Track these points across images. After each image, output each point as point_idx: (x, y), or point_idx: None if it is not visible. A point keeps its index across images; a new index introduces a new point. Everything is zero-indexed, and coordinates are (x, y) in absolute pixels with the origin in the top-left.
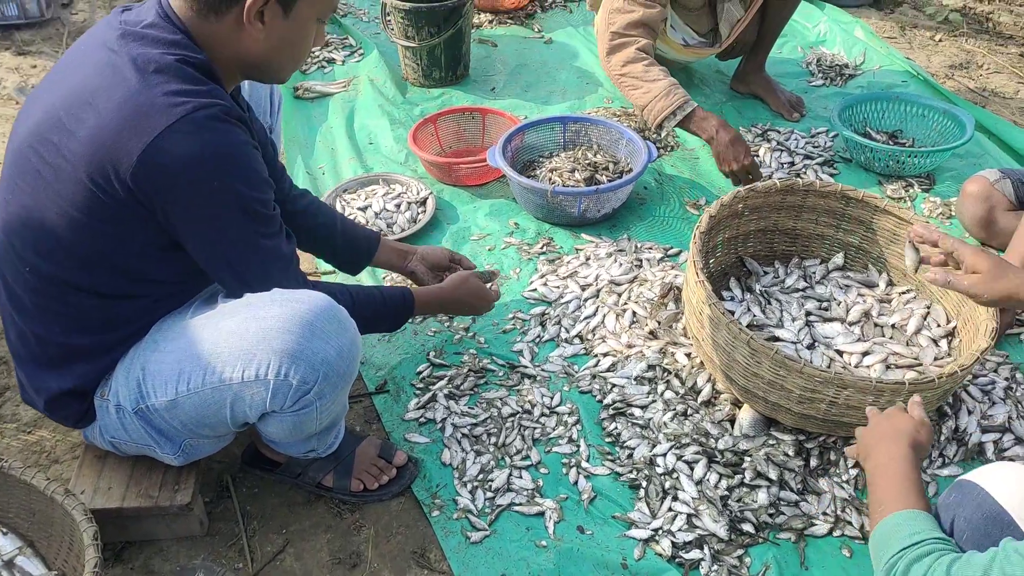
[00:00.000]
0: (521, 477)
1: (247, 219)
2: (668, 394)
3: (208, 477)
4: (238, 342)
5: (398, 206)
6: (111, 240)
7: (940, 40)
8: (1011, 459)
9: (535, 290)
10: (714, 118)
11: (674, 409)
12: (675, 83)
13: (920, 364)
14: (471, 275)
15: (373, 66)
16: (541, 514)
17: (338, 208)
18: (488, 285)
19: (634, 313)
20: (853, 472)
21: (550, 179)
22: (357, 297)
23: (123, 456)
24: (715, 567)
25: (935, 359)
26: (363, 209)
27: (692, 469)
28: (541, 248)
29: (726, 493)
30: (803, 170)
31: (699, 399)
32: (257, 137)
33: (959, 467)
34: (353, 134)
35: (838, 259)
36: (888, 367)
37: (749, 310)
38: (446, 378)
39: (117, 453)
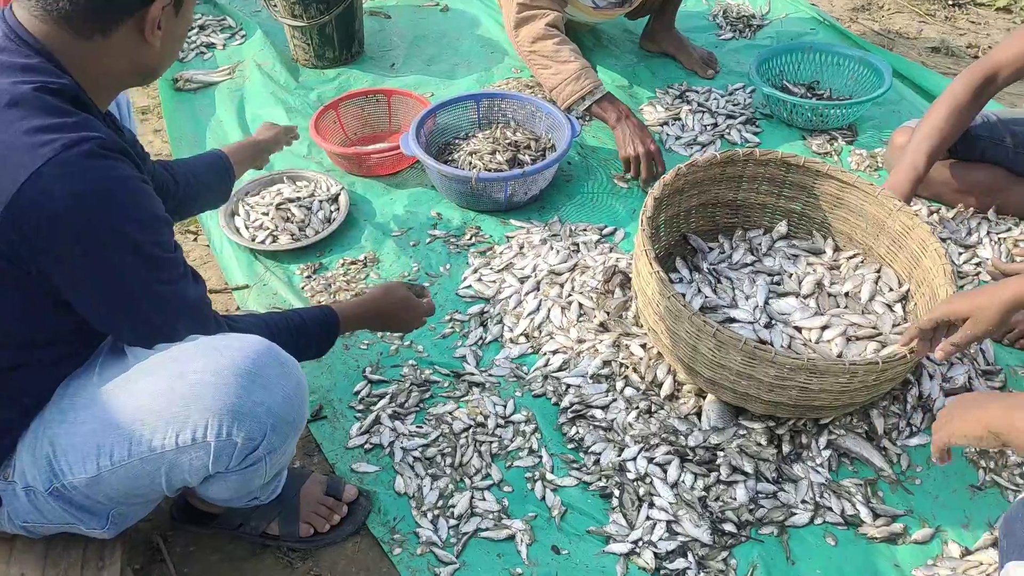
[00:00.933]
0: (484, 499)
1: (143, 266)
2: (628, 391)
3: (136, 540)
4: (165, 404)
5: (309, 207)
6: None
7: None
8: None
9: (470, 287)
10: (623, 105)
11: (637, 407)
12: (587, 66)
13: (880, 333)
14: (398, 284)
15: (258, 49)
16: (511, 537)
17: (241, 213)
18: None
19: (580, 305)
20: (826, 454)
21: (470, 163)
22: (274, 327)
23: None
24: (701, 575)
25: (893, 325)
26: (267, 213)
27: (665, 472)
28: (470, 239)
29: (703, 493)
30: (727, 130)
31: (662, 393)
32: (143, 166)
33: (926, 434)
34: (246, 126)
35: (781, 227)
36: (848, 339)
37: (700, 291)
38: (387, 396)
39: (31, 537)
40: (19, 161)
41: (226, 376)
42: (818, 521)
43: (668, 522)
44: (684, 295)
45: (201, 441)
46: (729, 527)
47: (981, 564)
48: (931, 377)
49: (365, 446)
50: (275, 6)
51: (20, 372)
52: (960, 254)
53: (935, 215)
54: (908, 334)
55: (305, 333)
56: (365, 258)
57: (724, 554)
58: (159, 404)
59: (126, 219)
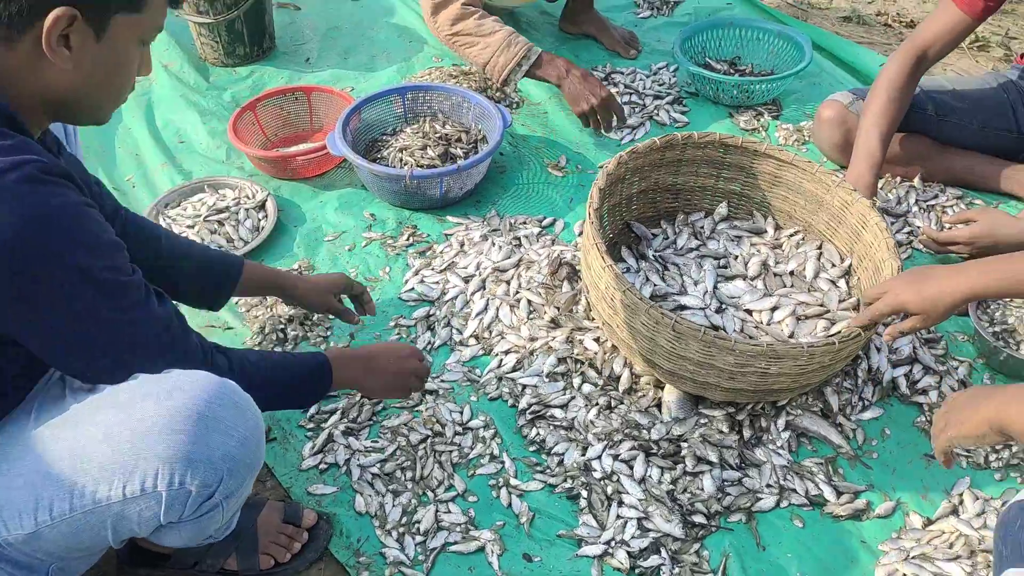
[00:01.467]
0: (450, 511)
1: (96, 295)
2: (586, 387)
3: None
4: (109, 453)
5: (235, 215)
6: None
7: None
8: (924, 390)
9: (412, 290)
10: (560, 59)
11: (596, 403)
12: (512, 32)
13: (828, 311)
14: (402, 344)
15: (163, 49)
16: (481, 549)
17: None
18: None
19: (529, 302)
20: (785, 435)
21: (402, 160)
22: (257, 366)
23: None
24: (676, 570)
25: (840, 301)
26: (192, 226)
27: (632, 468)
28: (407, 240)
29: (671, 486)
30: (655, 111)
31: (620, 388)
32: (87, 189)
33: (878, 407)
34: (158, 133)
35: (722, 209)
36: (798, 319)
37: (648, 280)
38: (338, 411)
39: None
40: None
41: (176, 421)
42: (784, 504)
43: (639, 519)
44: (633, 285)
45: (151, 491)
46: (699, 519)
47: (943, 533)
48: (879, 350)
49: (320, 466)
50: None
51: None
52: (892, 223)
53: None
54: (864, 318)
55: (291, 373)
56: (299, 266)
57: (696, 546)
58: (103, 452)
59: (73, 244)
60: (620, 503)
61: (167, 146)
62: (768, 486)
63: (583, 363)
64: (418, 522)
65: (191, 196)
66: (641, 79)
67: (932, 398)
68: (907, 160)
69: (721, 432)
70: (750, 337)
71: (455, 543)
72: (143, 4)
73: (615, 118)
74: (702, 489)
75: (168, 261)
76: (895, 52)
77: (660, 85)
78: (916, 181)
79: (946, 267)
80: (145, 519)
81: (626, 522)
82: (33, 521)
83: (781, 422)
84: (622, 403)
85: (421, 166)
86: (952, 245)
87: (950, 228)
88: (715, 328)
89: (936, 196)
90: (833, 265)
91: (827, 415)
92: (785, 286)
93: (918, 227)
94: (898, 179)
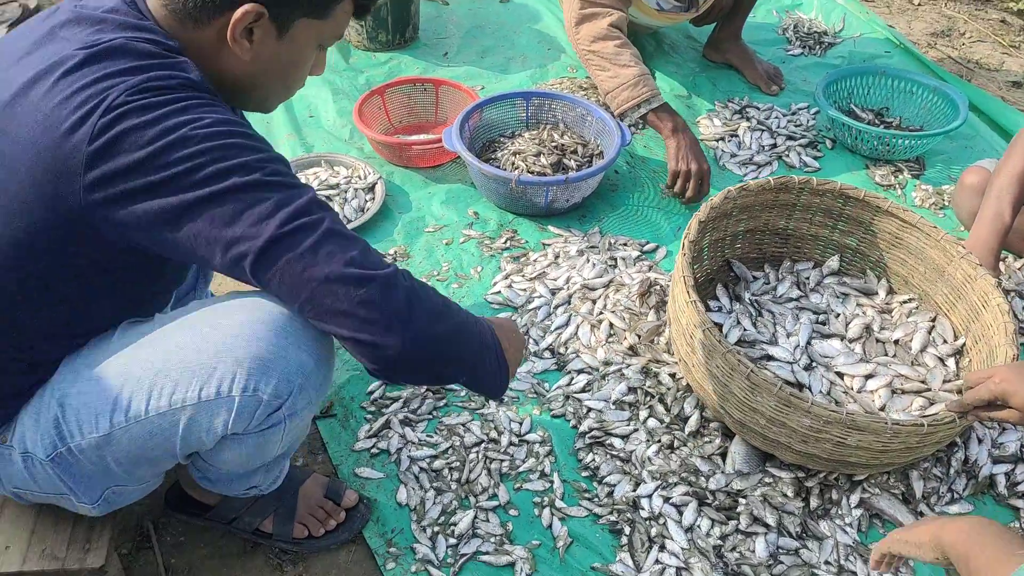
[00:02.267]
0: (488, 520)
1: (262, 190)
2: (652, 422)
3: (127, 523)
4: (193, 356)
5: (344, 193)
6: (48, 263)
7: (920, 4)
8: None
9: (499, 293)
10: (679, 117)
11: (659, 440)
12: (645, 73)
13: (928, 388)
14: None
15: None
16: (511, 565)
17: None
18: None
19: (611, 324)
20: (856, 513)
21: (513, 164)
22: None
23: (25, 505)
24: None
25: (944, 381)
26: None
27: (681, 513)
28: (504, 243)
29: (719, 542)
30: (786, 152)
31: (687, 429)
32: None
33: (969, 503)
34: (290, 104)
35: (833, 262)
36: (894, 392)
37: (739, 323)
38: (401, 400)
39: (19, 502)
40: (99, 99)
41: (260, 329)
42: None
43: (678, 568)
44: (721, 326)
45: (226, 395)
46: None
47: None
48: (980, 441)
49: (372, 450)
50: None
51: (46, 342)
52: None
53: (1001, 263)
54: (957, 404)
55: (473, 322)
56: (395, 252)
57: None
58: (186, 355)
59: (229, 148)
60: (662, 548)
61: (296, 118)
62: (827, 563)
63: (654, 396)
64: (455, 524)
65: (307, 169)
66: (777, 116)
67: None
68: None
69: (785, 496)
70: (836, 402)
71: (486, 553)
72: (328, 12)
73: (699, 194)
74: (752, 551)
75: None
76: None
77: (796, 126)
78: None
79: None
80: (215, 426)
81: (664, 568)
82: (108, 423)
83: (855, 498)
84: (685, 445)
85: (531, 172)
86: None
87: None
88: (800, 386)
89: None
90: (945, 341)
91: (908, 501)
92: (887, 355)
93: None
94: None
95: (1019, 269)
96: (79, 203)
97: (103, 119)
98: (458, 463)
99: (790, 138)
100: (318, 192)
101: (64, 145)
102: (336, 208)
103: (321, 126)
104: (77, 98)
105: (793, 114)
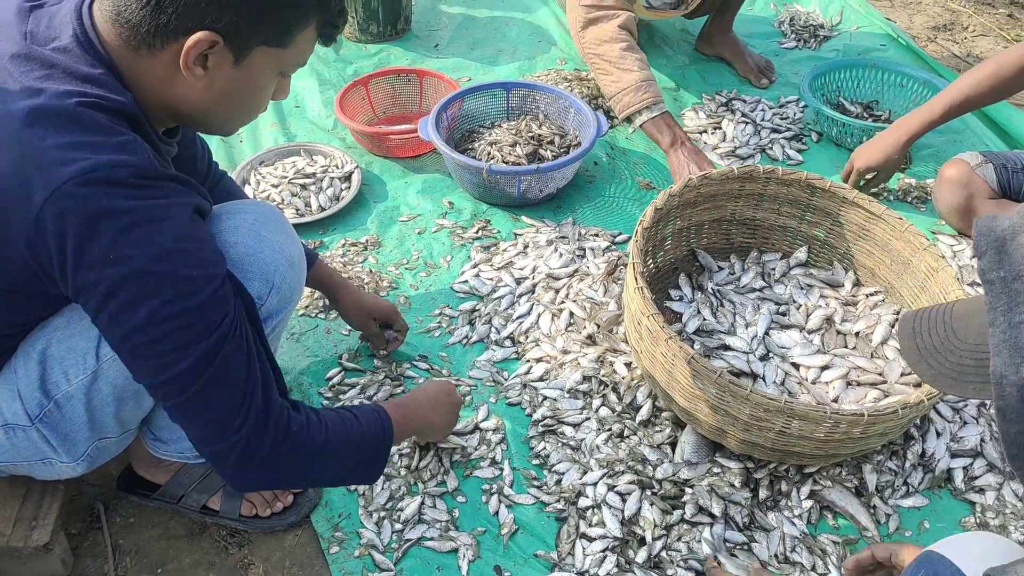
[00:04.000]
0: (435, 506)
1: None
2: (604, 411)
3: (77, 504)
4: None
5: (320, 182)
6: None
7: None
8: (982, 488)
9: (466, 282)
10: (679, 129)
11: (609, 429)
12: (650, 79)
13: (885, 381)
14: (444, 382)
15: None
16: (455, 551)
17: (252, 182)
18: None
19: (572, 313)
20: (807, 504)
21: (488, 154)
22: (330, 422)
23: None
24: None
25: (901, 375)
26: (276, 185)
27: (625, 501)
28: (476, 233)
29: (663, 532)
30: (769, 145)
31: (637, 418)
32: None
33: (924, 496)
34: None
35: (800, 254)
36: (849, 383)
37: (699, 313)
38: (358, 386)
39: None
40: (44, 177)
41: (234, 235)
42: None
43: (618, 557)
44: (681, 314)
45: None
46: (686, 574)
47: None
48: (939, 435)
49: None
50: None
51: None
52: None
53: (952, 253)
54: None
55: (360, 432)
56: (367, 240)
57: None
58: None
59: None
60: (601, 537)
61: (281, 108)
62: (774, 556)
63: (607, 385)
64: (400, 510)
65: (286, 158)
66: (763, 109)
67: (989, 500)
68: None
69: (732, 486)
70: (789, 392)
71: (431, 539)
72: (289, 41)
73: None
74: (698, 542)
75: None
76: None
77: (783, 119)
78: None
79: None
80: None
81: (604, 556)
82: (95, 358)
83: (805, 490)
84: (635, 434)
85: (506, 162)
86: None
87: None
88: (754, 376)
89: None
90: None
91: (861, 493)
92: (847, 347)
93: None
94: None
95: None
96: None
97: (51, 209)
98: (408, 449)
99: (775, 131)
100: (292, 180)
101: (12, 211)
102: (311, 196)
103: (306, 116)
104: (25, 168)
105: (781, 107)
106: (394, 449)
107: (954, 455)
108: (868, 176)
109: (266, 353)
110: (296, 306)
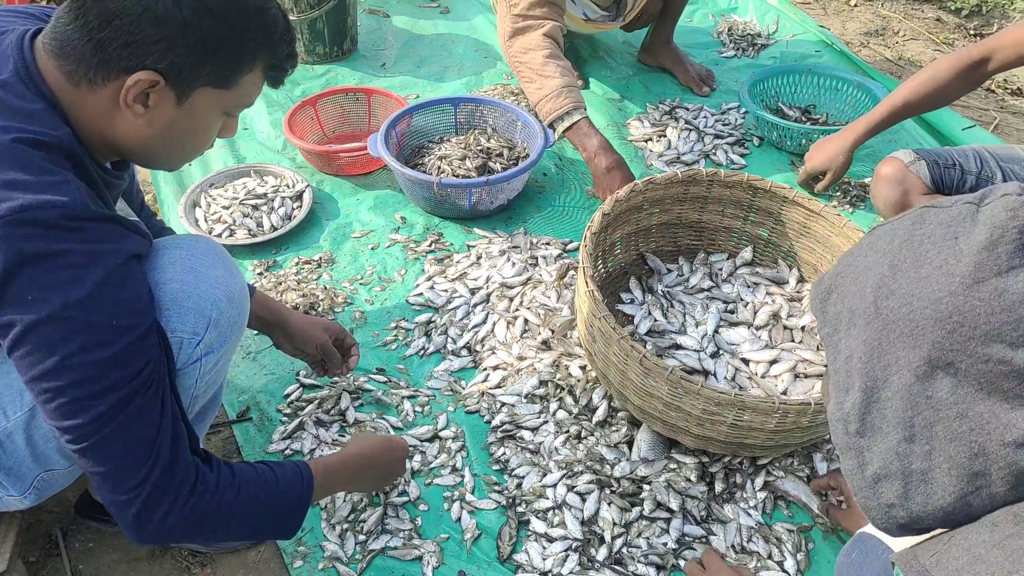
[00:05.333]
0: (398, 516)
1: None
2: (560, 414)
3: (35, 531)
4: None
5: (271, 202)
6: None
7: (856, 5)
8: None
9: (421, 294)
10: (597, 137)
11: (567, 431)
12: (571, 85)
13: None
14: (384, 437)
15: None
16: (419, 559)
17: (203, 204)
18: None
19: (526, 320)
20: (761, 496)
21: (439, 168)
22: (244, 480)
23: None
24: None
25: None
26: (227, 207)
27: (584, 501)
28: (429, 246)
29: (623, 530)
30: (713, 151)
31: (594, 419)
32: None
33: None
34: None
35: (746, 254)
36: (797, 376)
37: (650, 314)
38: (316, 401)
39: None
40: None
41: (168, 271)
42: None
43: (580, 557)
44: (632, 317)
45: None
46: (650, 570)
47: None
48: None
49: (285, 451)
50: None
51: None
52: None
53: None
54: None
55: (276, 490)
56: (320, 258)
57: None
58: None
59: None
60: (561, 538)
61: None
62: (731, 547)
63: (563, 389)
64: (363, 521)
65: (236, 179)
66: (705, 116)
67: None
68: None
69: (688, 480)
70: (740, 387)
71: (395, 548)
72: (232, 83)
73: None
74: (657, 537)
75: None
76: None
77: (725, 125)
78: None
79: None
80: None
81: (567, 556)
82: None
83: (759, 481)
84: (592, 435)
85: (457, 176)
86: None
87: None
88: (705, 373)
89: None
90: None
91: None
92: (793, 341)
93: None
94: None
95: None
96: None
97: None
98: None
99: (717, 137)
100: (243, 202)
101: None
102: (263, 216)
103: (255, 138)
104: None
105: (723, 113)
106: None
107: None
108: (818, 176)
109: (179, 409)
110: (239, 340)
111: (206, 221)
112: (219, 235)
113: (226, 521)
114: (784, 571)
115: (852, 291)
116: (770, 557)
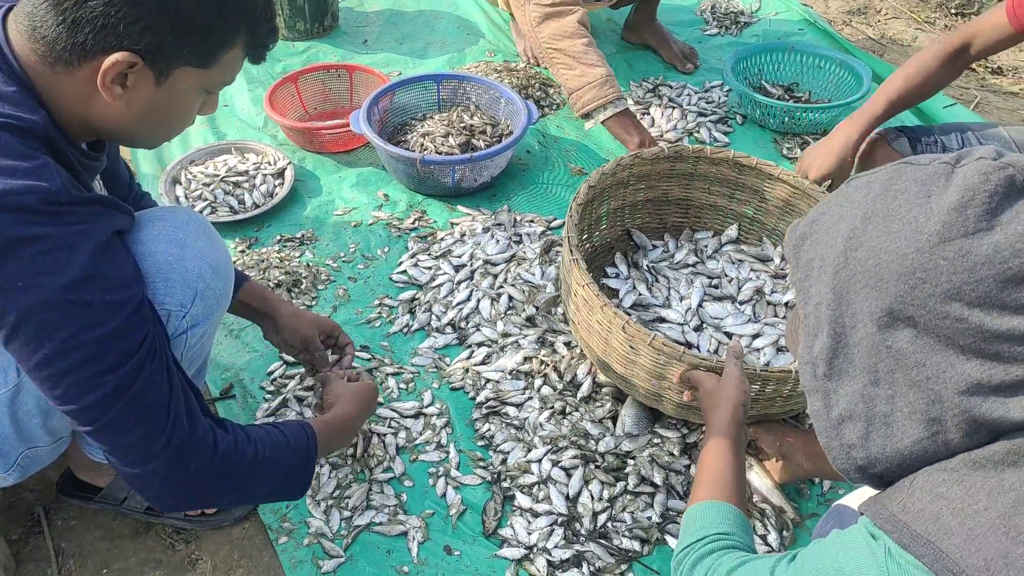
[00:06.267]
0: (383, 492)
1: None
2: (545, 390)
3: (17, 510)
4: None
5: (253, 179)
6: None
7: None
8: None
9: (404, 272)
10: (642, 126)
11: (551, 407)
12: (611, 74)
13: None
14: (361, 388)
15: None
16: (404, 534)
17: (183, 181)
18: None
19: (511, 297)
20: None
21: (421, 145)
22: (258, 438)
23: None
24: None
25: None
26: (208, 184)
27: (570, 476)
28: (413, 223)
29: (607, 504)
30: (696, 128)
31: (579, 395)
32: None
33: None
34: None
35: (731, 231)
36: (779, 350)
37: (635, 288)
38: (297, 376)
39: None
40: None
41: (155, 244)
42: None
43: (565, 531)
44: (617, 291)
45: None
46: (635, 544)
47: None
48: None
49: None
50: None
51: None
52: None
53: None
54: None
55: (287, 449)
56: (302, 236)
57: (624, 567)
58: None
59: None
60: (546, 513)
61: None
62: None
63: (548, 365)
64: (348, 498)
65: (217, 156)
66: (689, 94)
67: None
68: None
69: (672, 455)
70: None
71: (380, 524)
72: (212, 61)
73: None
74: (641, 511)
75: None
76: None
77: (708, 103)
78: None
79: None
80: None
81: (552, 531)
82: (16, 373)
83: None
84: (577, 410)
85: (440, 153)
86: None
87: None
88: (689, 346)
89: None
90: None
91: None
92: (776, 316)
93: None
94: None
95: None
96: None
97: None
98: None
99: (701, 114)
100: (225, 179)
101: None
102: (244, 193)
103: (235, 115)
104: None
105: (706, 91)
106: None
107: None
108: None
109: (184, 375)
110: (224, 312)
111: (187, 199)
112: (200, 212)
113: (248, 479)
114: (767, 544)
115: (824, 239)
116: (753, 529)
